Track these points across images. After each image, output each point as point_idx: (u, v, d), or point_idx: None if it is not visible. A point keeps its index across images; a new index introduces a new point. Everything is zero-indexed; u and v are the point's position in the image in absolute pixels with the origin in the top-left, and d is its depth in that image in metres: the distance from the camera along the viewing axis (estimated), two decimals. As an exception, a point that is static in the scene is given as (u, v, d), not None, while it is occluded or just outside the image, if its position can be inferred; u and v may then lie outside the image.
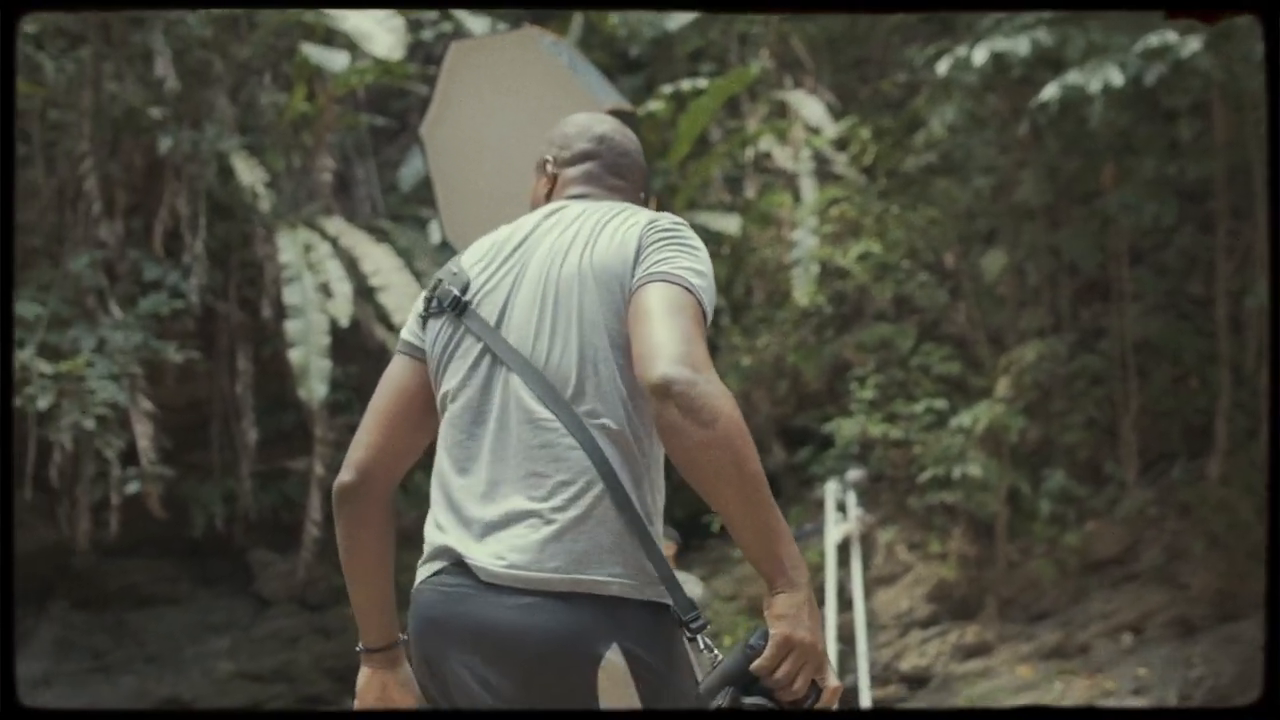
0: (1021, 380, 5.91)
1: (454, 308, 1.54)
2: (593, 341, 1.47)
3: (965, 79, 5.69)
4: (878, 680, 5.58)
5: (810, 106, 6.89)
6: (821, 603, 5.22)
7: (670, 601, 1.44)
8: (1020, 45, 5.28)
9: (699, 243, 1.52)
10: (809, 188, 6.72)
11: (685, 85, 6.56)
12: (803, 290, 6.26)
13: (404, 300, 5.82)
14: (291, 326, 5.68)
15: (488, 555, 1.44)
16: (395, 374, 1.61)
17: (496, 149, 4.88)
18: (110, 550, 5.95)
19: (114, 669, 5.87)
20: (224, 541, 6.22)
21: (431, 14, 6.82)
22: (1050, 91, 5.17)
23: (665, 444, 1.40)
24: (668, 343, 1.39)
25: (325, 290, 5.79)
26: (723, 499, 1.37)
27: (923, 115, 6.60)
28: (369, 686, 1.65)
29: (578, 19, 6.81)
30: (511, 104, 4.92)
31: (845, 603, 5.62)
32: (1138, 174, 5.88)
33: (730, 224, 6.50)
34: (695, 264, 1.48)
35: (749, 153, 7.04)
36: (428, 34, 6.89)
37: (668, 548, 2.10)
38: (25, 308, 5.58)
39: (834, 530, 5.81)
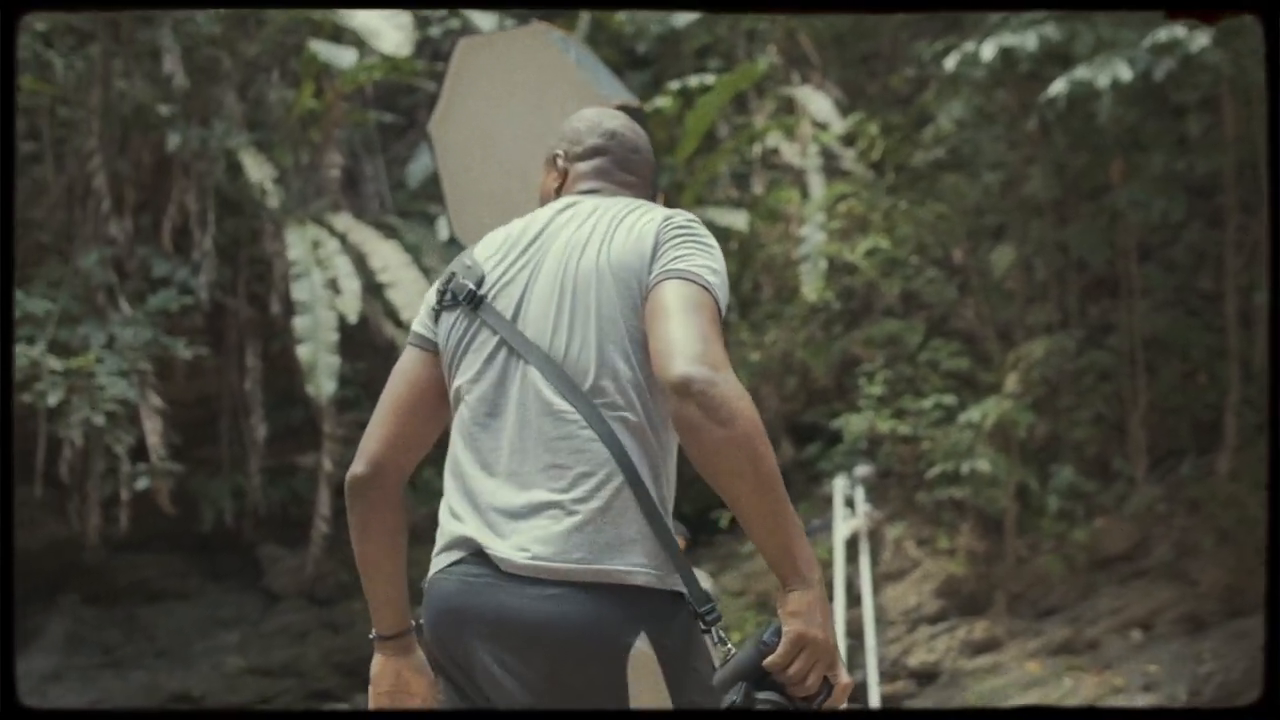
0: (1030, 376, 5.90)
1: (469, 301, 1.56)
2: (611, 335, 1.49)
3: (973, 74, 5.67)
4: (886, 676, 5.58)
5: (818, 102, 6.88)
6: (830, 598, 5.21)
7: (686, 592, 1.46)
8: (1028, 40, 5.26)
9: (713, 240, 1.54)
10: (817, 183, 6.71)
11: (693, 81, 6.55)
12: (811, 286, 6.25)
13: (412, 296, 5.83)
14: (300, 322, 5.69)
15: (510, 546, 1.45)
16: (407, 366, 1.62)
17: (504, 145, 4.89)
18: (120, 545, 5.97)
19: (124, 663, 5.90)
20: (233, 537, 6.24)
21: (439, 10, 6.83)
22: (1059, 87, 5.15)
23: (683, 441, 1.41)
24: (687, 341, 1.41)
25: (333, 286, 5.80)
26: (739, 496, 1.39)
27: (931, 110, 6.59)
28: (384, 673, 1.66)
29: (585, 15, 6.81)
30: (519, 100, 4.92)
31: (854, 598, 5.62)
32: (1146, 169, 5.86)
33: (738, 220, 6.49)
34: (711, 262, 1.50)
35: (757, 149, 7.04)
36: (435, 30, 6.90)
37: (678, 542, 2.11)
38: (35, 304, 5.61)
39: (842, 526, 5.81)
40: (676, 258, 1.49)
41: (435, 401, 1.59)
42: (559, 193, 1.67)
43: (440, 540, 1.54)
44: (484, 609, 1.45)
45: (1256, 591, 5.33)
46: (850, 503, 5.94)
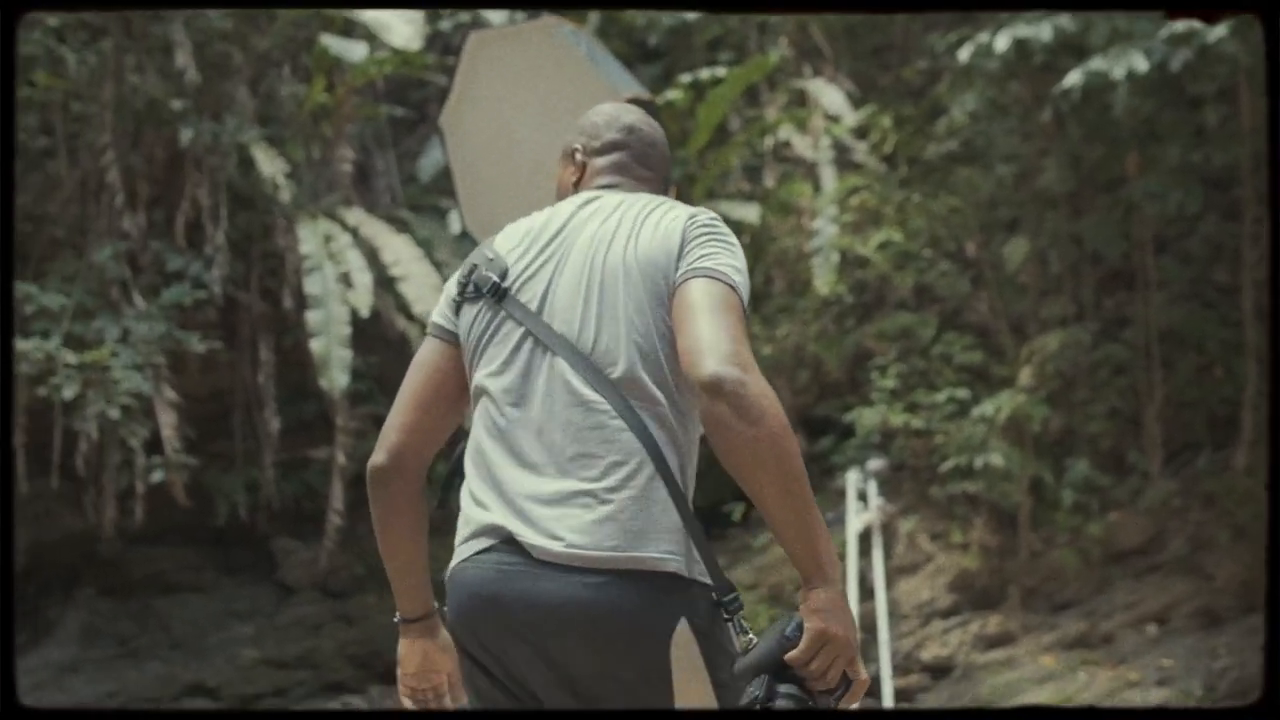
0: (1044, 369, 5.87)
1: (493, 293, 1.57)
2: (638, 328, 1.51)
3: (987, 66, 5.63)
4: (899, 670, 5.57)
5: (830, 95, 6.85)
6: (842, 592, 5.19)
7: (710, 581, 1.49)
8: (1043, 31, 5.22)
9: (735, 239, 1.59)
10: (829, 176, 6.68)
11: (704, 74, 6.53)
12: (823, 279, 6.23)
13: (424, 290, 5.84)
14: (312, 317, 5.71)
15: (542, 535, 1.47)
16: (427, 357, 1.64)
17: (516, 139, 4.89)
18: (136, 538, 6.01)
19: (140, 655, 5.93)
20: (247, 530, 6.27)
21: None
22: (1073, 78, 5.11)
23: (712, 439, 1.44)
24: (717, 341, 1.44)
25: (346, 280, 5.81)
26: (765, 494, 1.42)
27: (944, 102, 6.55)
28: (410, 655, 1.69)
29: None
30: (531, 94, 4.92)
31: (866, 592, 5.61)
32: (1162, 161, 5.81)
33: (750, 213, 6.47)
34: (735, 261, 1.55)
35: (768, 142, 7.01)
36: (446, 24, 6.90)
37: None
38: (50, 299, 5.64)
39: (855, 520, 5.80)
40: (703, 256, 1.52)
41: (455, 392, 1.62)
42: (577, 187, 1.69)
43: (465, 528, 1.55)
44: (522, 596, 1.46)
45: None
46: (863, 496, 5.93)
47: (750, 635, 1.46)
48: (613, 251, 1.54)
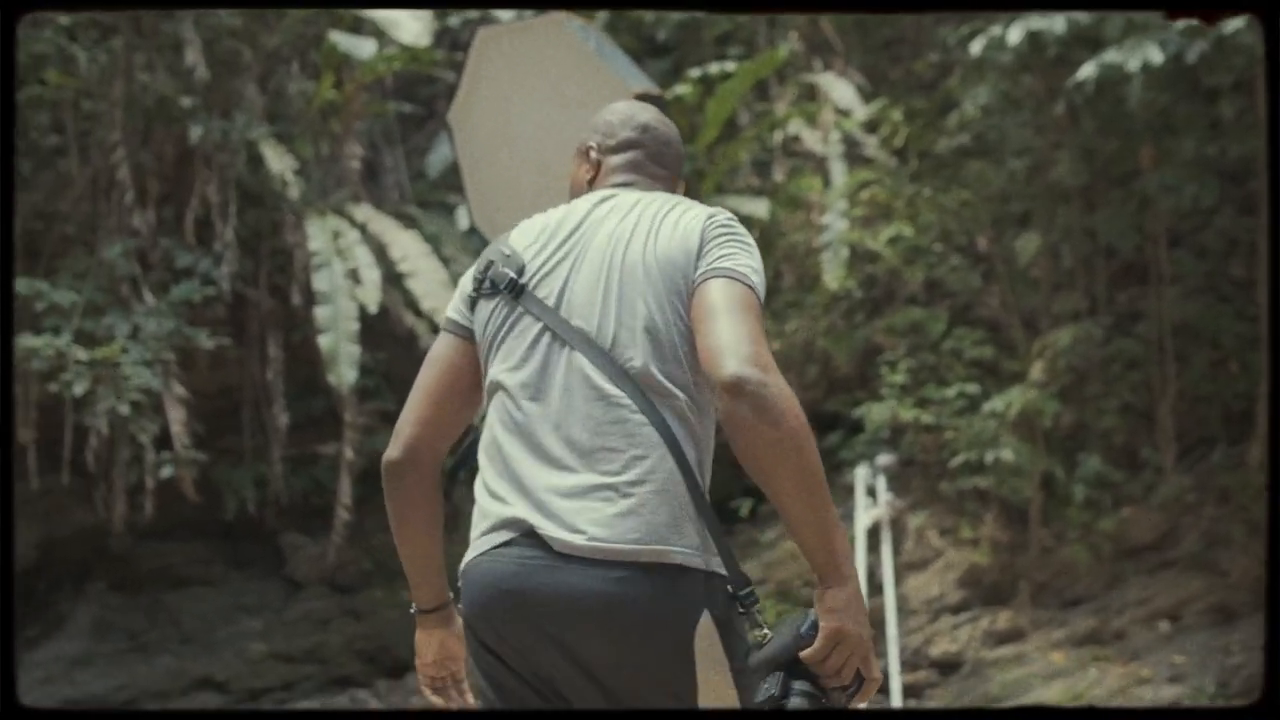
0: (1056, 364, 5.82)
1: (510, 289, 1.59)
2: (657, 324, 1.54)
3: (1000, 59, 5.58)
4: (908, 666, 5.55)
5: (840, 89, 6.81)
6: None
7: (726, 574, 1.52)
8: (1056, 24, 5.17)
9: (752, 240, 1.61)
10: (839, 171, 6.65)
11: (713, 69, 6.50)
12: (833, 274, 6.20)
13: (432, 286, 5.84)
14: (321, 313, 5.72)
15: (564, 528, 1.48)
16: (442, 352, 1.66)
17: (524, 134, 4.87)
18: (146, 533, 6.04)
19: (150, 649, 5.97)
20: (256, 525, 6.29)
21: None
22: (1087, 71, 5.06)
23: (732, 439, 1.46)
24: (738, 342, 1.46)
25: (354, 277, 5.82)
26: (784, 494, 1.45)
27: (956, 96, 6.49)
28: (428, 645, 1.72)
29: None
30: (539, 89, 4.90)
31: (875, 588, 5.58)
32: (1177, 154, 5.75)
33: (759, 208, 6.44)
34: (753, 262, 1.57)
35: (778, 136, 6.98)
36: (454, 20, 6.90)
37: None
38: (61, 295, 5.67)
39: (864, 515, 5.78)
40: (722, 256, 1.55)
41: (470, 386, 1.63)
42: (591, 184, 1.71)
43: (483, 522, 1.55)
44: (544, 590, 1.47)
45: (1287, 583, 5.23)
46: (872, 492, 5.90)
47: (765, 630, 1.49)
48: (632, 249, 1.56)
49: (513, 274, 1.59)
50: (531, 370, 1.55)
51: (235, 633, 6.00)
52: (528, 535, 1.50)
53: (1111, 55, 4.99)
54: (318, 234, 5.93)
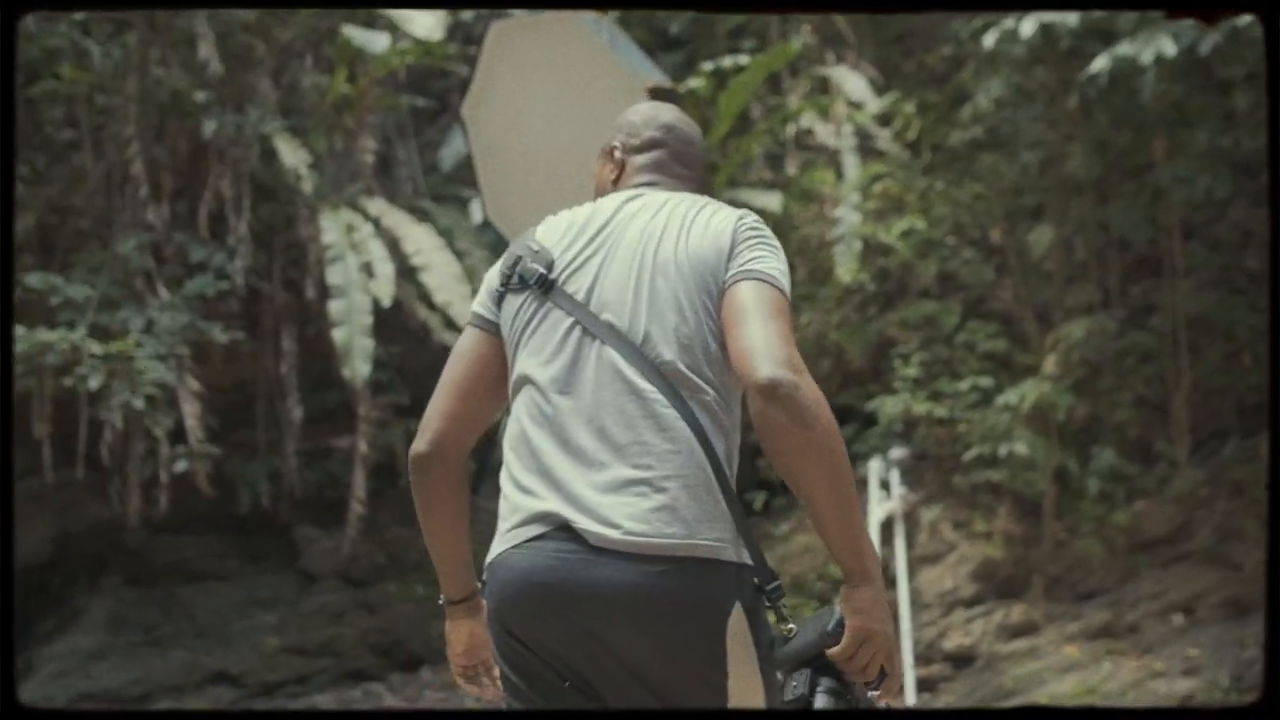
0: (1069, 357, 5.81)
1: (540, 284, 1.61)
2: (688, 321, 1.56)
3: (1012, 52, 5.57)
4: (921, 659, 5.55)
5: (853, 82, 6.80)
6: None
7: (754, 566, 1.54)
8: (1069, 17, 5.16)
9: (778, 242, 1.64)
10: (851, 164, 6.64)
11: (726, 62, 6.50)
12: (846, 267, 6.20)
13: (445, 279, 5.85)
14: (335, 306, 5.73)
15: (599, 522, 1.50)
16: (469, 346, 1.67)
17: (538, 128, 4.88)
18: (160, 527, 6.06)
19: (165, 642, 5.99)
20: (270, 518, 6.31)
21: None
22: (1100, 63, 5.04)
23: (764, 440, 1.48)
24: (771, 345, 1.49)
25: (368, 270, 5.84)
26: (814, 495, 1.47)
27: (968, 89, 6.48)
28: (458, 635, 1.74)
29: (613, -3, 6.76)
30: (552, 82, 4.90)
31: (889, 582, 5.58)
32: (1190, 146, 5.73)
33: (772, 201, 6.44)
34: (781, 265, 1.60)
35: (790, 129, 6.97)
36: (467, 14, 6.90)
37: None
38: (75, 290, 5.69)
39: (877, 509, 5.77)
40: (753, 259, 1.58)
41: (497, 380, 1.64)
42: (616, 184, 1.73)
43: (512, 516, 1.56)
44: (580, 583, 1.49)
45: (1303, 576, 5.22)
46: (885, 485, 5.90)
47: (790, 625, 1.51)
48: (663, 247, 1.58)
49: (542, 269, 1.60)
50: (562, 365, 1.57)
51: (249, 626, 6.02)
52: (562, 529, 1.51)
53: (1124, 48, 4.98)
54: (331, 228, 5.94)
